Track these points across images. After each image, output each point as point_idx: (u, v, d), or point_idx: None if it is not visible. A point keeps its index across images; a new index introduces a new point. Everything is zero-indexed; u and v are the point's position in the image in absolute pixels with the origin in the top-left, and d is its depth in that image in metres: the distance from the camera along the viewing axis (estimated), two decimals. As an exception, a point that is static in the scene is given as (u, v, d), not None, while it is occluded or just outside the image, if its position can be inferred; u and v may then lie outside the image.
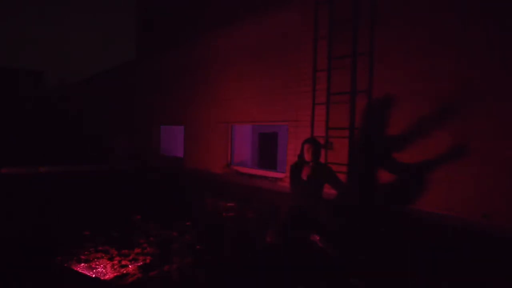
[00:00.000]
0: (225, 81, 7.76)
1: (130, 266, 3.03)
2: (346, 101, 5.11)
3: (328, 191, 4.04)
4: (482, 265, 3.10)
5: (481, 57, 3.90)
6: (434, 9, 4.30)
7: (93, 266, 3.03)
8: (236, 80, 7.46)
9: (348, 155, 5.08)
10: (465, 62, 4.01)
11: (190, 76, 9.03)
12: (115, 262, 3.12)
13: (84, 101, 16.98)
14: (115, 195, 6.20)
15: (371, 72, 4.87)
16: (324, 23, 5.45)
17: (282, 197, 5.51)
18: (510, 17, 3.71)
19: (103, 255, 3.25)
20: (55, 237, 3.74)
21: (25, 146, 13.48)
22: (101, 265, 3.05)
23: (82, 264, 3.05)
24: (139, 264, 3.08)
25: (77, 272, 2.91)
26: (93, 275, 2.86)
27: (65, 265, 3.03)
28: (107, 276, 2.85)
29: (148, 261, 3.15)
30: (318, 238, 3.46)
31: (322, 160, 4.69)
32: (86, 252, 3.30)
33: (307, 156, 3.71)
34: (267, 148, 8.55)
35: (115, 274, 2.89)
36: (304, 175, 3.57)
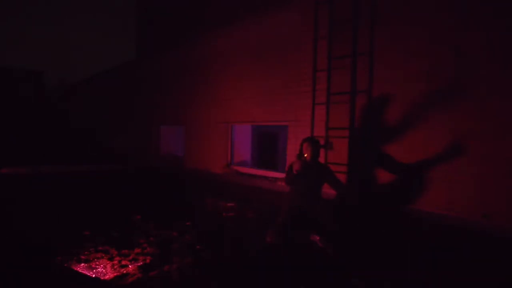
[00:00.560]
0: (225, 81, 7.76)
1: (130, 266, 3.03)
2: (346, 101, 5.11)
3: (328, 191, 4.05)
4: (482, 265, 3.10)
5: (481, 57, 3.90)
6: (434, 9, 4.30)
7: (93, 266, 3.03)
8: (236, 80, 7.46)
9: (348, 155, 5.08)
10: (465, 62, 4.01)
11: (190, 76, 9.03)
12: (115, 262, 3.11)
13: (84, 101, 16.99)
14: (115, 195, 6.20)
15: (371, 72, 4.87)
16: (324, 23, 5.45)
17: (282, 197, 5.52)
18: (510, 17, 3.71)
19: (103, 255, 3.25)
20: (55, 237, 3.74)
21: (25, 146, 13.48)
22: (101, 265, 3.04)
23: (82, 264, 3.05)
24: (139, 264, 3.08)
25: (77, 272, 2.91)
26: (93, 275, 2.86)
27: (65, 265, 3.03)
28: (107, 276, 2.85)
29: (148, 261, 3.15)
30: (318, 238, 3.46)
31: (322, 160, 4.69)
32: (86, 252, 3.30)
33: (306, 155, 3.71)
34: (267, 148, 8.55)
35: (115, 274, 2.88)
36: (295, 169, 3.57)
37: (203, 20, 9.09)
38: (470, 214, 3.94)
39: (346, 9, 5.14)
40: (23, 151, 12.51)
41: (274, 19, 6.57)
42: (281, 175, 6.48)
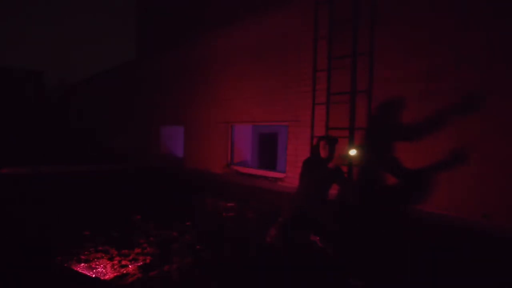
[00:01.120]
0: (225, 81, 7.76)
1: (130, 266, 3.03)
2: (346, 101, 5.11)
3: (329, 191, 4.04)
4: (482, 265, 3.10)
5: (481, 57, 3.90)
6: (434, 9, 4.30)
7: (93, 266, 3.03)
8: (236, 80, 7.46)
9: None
10: (465, 62, 4.01)
11: (190, 76, 9.03)
12: (115, 262, 3.11)
13: (84, 101, 16.99)
14: (115, 195, 6.20)
15: (371, 72, 4.87)
16: (324, 23, 5.45)
17: (282, 197, 5.52)
18: (510, 17, 3.71)
19: (103, 255, 3.25)
20: (55, 237, 3.74)
21: (25, 146, 13.49)
22: (101, 265, 3.04)
23: (82, 264, 3.05)
24: (139, 264, 3.08)
25: (77, 272, 2.91)
26: (93, 275, 2.86)
27: (65, 265, 3.03)
28: (107, 276, 2.85)
29: (148, 261, 3.15)
30: (318, 238, 3.46)
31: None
32: (86, 252, 3.30)
33: (323, 153, 3.69)
34: (267, 148, 8.55)
35: (115, 274, 2.88)
36: (332, 164, 3.49)
37: (203, 20, 9.09)
38: (470, 214, 3.94)
39: (346, 9, 5.14)
40: (23, 151, 12.51)
41: (274, 19, 6.57)
42: (281, 175, 6.48)
